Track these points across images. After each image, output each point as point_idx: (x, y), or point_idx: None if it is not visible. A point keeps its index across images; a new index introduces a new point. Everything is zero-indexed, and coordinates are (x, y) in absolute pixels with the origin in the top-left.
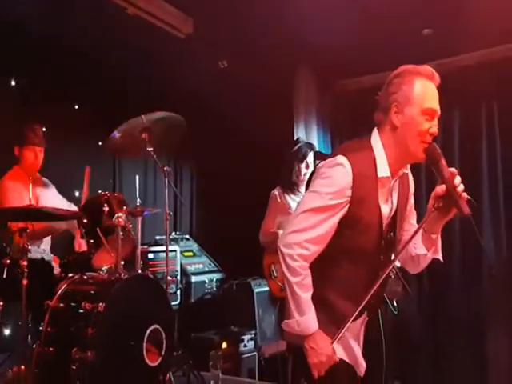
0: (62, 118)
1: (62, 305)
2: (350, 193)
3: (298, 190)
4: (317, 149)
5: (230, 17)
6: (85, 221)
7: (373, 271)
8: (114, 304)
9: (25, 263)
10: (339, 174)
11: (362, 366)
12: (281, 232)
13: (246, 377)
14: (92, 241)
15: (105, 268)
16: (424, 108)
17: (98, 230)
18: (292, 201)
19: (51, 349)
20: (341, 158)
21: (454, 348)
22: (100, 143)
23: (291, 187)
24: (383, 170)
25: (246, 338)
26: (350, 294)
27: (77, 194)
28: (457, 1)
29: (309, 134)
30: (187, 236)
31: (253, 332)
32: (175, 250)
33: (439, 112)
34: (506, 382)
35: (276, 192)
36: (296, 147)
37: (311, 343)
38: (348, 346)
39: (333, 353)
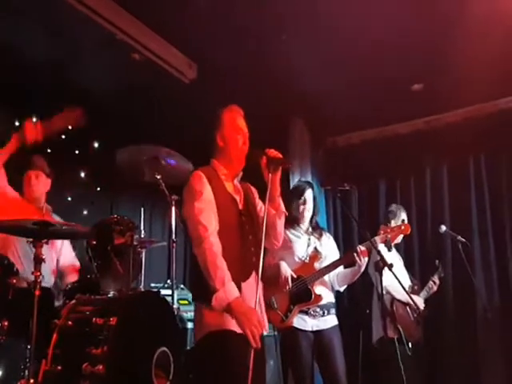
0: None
1: (70, 323)
2: (206, 186)
3: (298, 225)
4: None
5: (231, 69)
6: (94, 242)
7: (243, 238)
8: (126, 319)
9: (38, 274)
10: (195, 178)
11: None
12: (283, 263)
13: None
14: (100, 262)
15: (112, 293)
16: (233, 127)
17: (108, 248)
18: (292, 235)
19: (59, 367)
20: (193, 172)
21: None
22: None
23: (290, 222)
24: (221, 170)
25: None
26: (232, 258)
27: None
28: (442, 61)
29: None
30: (182, 285)
31: None
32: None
33: (245, 129)
34: None
35: None
36: (294, 185)
37: (239, 309)
38: None
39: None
